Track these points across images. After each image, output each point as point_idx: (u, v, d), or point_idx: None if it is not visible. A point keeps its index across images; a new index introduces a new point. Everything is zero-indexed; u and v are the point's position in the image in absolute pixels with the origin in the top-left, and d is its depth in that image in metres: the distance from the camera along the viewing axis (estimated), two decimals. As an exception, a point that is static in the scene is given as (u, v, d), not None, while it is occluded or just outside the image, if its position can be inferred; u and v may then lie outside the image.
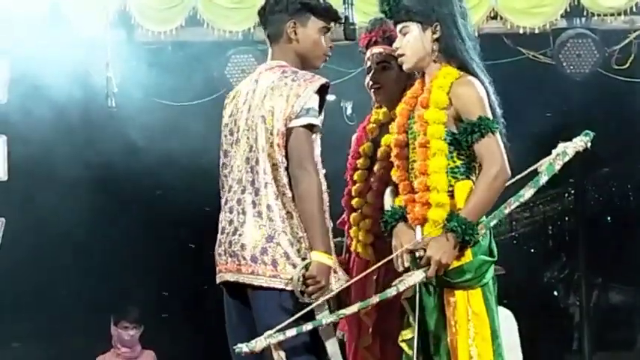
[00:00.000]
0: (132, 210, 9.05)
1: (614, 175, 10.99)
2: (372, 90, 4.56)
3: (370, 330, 4.43)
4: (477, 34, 7.56)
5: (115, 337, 7.46)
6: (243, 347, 3.68)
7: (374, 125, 4.64)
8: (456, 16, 4.01)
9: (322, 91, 3.89)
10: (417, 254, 3.86)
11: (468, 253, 3.83)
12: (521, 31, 7.55)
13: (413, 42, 4.01)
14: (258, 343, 3.68)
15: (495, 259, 3.93)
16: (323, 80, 3.88)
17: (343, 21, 4.46)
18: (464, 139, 3.86)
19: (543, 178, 3.82)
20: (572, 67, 7.70)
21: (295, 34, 3.92)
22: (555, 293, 11.68)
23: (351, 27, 4.77)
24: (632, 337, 10.75)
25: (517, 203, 3.84)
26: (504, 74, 7.67)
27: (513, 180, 3.88)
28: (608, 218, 11.44)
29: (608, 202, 11.45)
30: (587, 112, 8.43)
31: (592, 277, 11.11)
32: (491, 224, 3.86)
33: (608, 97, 8.20)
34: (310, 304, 3.74)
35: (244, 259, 3.82)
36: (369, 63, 4.58)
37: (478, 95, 3.89)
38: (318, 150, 3.91)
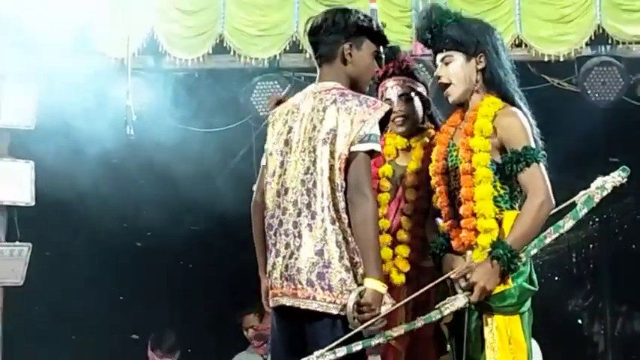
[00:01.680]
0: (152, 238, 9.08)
1: (638, 203, 10.96)
2: (396, 120, 4.59)
3: (403, 355, 4.45)
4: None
5: None
6: None
7: (391, 147, 4.68)
8: (498, 48, 4.06)
9: (385, 117, 3.90)
10: (461, 282, 3.87)
11: (510, 280, 3.86)
12: (546, 59, 7.57)
13: (459, 71, 4.05)
14: None
15: (537, 288, 3.96)
16: (387, 107, 3.90)
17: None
18: (508, 168, 3.91)
19: (583, 211, 3.86)
20: (597, 95, 7.69)
21: (351, 56, 3.92)
22: (580, 321, 11.63)
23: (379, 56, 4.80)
24: (657, 365, 10.69)
25: (557, 234, 3.87)
26: (529, 102, 7.77)
27: (554, 211, 3.90)
28: (633, 246, 11.39)
29: (632, 230, 11.40)
30: (612, 140, 8.44)
31: (616, 305, 11.07)
32: (532, 253, 3.88)
33: (632, 125, 8.19)
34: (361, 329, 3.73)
35: (300, 283, 3.79)
36: (387, 95, 4.62)
37: (522, 125, 3.93)
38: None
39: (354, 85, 3.95)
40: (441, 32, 4.06)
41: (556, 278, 11.69)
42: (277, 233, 3.91)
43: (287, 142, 3.94)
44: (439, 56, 4.10)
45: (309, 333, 3.84)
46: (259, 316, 7.20)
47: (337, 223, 3.78)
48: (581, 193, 3.89)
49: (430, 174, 4.21)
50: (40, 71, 7.38)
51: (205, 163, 7.71)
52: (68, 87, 7.26)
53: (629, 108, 7.82)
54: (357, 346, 3.70)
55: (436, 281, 3.99)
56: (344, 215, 3.78)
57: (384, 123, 3.92)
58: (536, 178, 3.87)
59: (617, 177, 3.90)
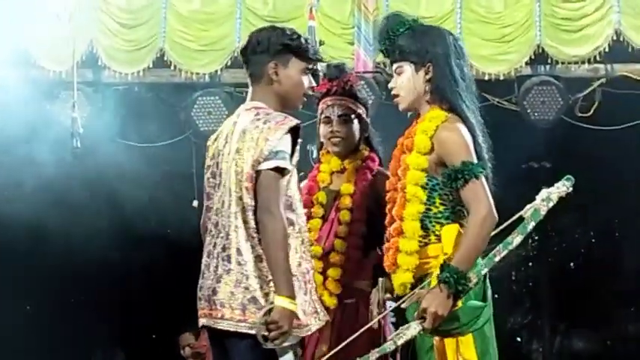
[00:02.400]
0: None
1: (577, 222, 11.06)
2: (332, 140, 4.58)
3: None
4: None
5: None
6: None
7: (325, 174, 4.66)
8: (450, 57, 3.93)
9: (295, 132, 3.83)
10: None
11: (460, 302, 3.73)
12: (486, 78, 7.61)
13: (406, 83, 3.95)
14: None
15: (487, 303, 3.87)
16: (293, 122, 3.80)
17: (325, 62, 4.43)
18: (448, 185, 3.80)
19: (531, 224, 3.76)
20: (536, 114, 7.75)
21: (277, 75, 3.87)
22: (519, 339, 11.69)
23: (316, 74, 4.77)
24: (595, 383, 10.79)
25: (506, 251, 3.75)
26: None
27: (500, 228, 3.80)
28: (571, 264, 11.50)
29: (570, 248, 11.51)
30: (551, 159, 8.51)
31: (555, 323, 11.15)
32: (483, 272, 3.77)
33: (571, 144, 8.26)
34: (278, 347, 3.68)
35: (214, 303, 3.79)
36: (327, 113, 4.60)
37: (462, 140, 3.82)
38: (293, 192, 3.84)
39: (285, 103, 3.91)
40: (394, 42, 3.96)
41: (495, 296, 11.70)
42: (205, 254, 3.92)
43: (217, 165, 3.93)
44: (393, 66, 4.01)
45: (229, 353, 3.82)
46: (195, 335, 7.13)
47: (250, 242, 3.76)
48: (528, 206, 3.78)
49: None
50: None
51: (145, 179, 7.62)
52: (8, 103, 7.18)
53: (568, 127, 7.89)
54: None
55: (384, 313, 3.99)
56: (255, 235, 3.75)
57: (296, 140, 3.84)
58: (476, 194, 3.75)
59: (561, 187, 3.81)
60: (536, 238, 11.16)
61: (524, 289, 11.76)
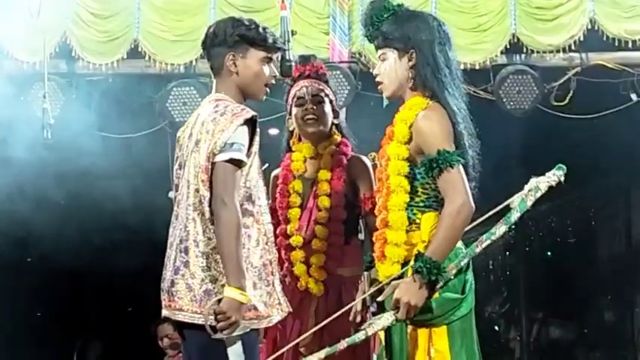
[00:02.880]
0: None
1: (553, 210, 11.09)
2: (307, 121, 4.60)
3: None
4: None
5: None
6: None
7: (299, 162, 4.67)
8: (434, 43, 3.89)
9: (253, 124, 3.82)
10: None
11: (437, 293, 3.70)
12: (461, 67, 7.58)
13: (390, 70, 3.92)
14: None
15: (464, 295, 3.82)
16: (249, 114, 3.80)
17: (281, 53, 4.43)
18: (425, 174, 3.78)
19: (515, 215, 3.71)
20: (512, 103, 7.75)
21: (235, 66, 3.87)
22: (496, 328, 11.72)
23: (287, 64, 4.78)
24: (572, 371, 10.83)
25: (489, 241, 3.71)
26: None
27: (485, 217, 3.75)
28: (548, 253, 11.53)
29: (548, 237, 11.54)
30: (527, 148, 8.52)
31: (532, 312, 11.18)
32: (462, 263, 3.74)
33: (547, 133, 8.27)
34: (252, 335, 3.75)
35: (172, 295, 3.81)
36: (300, 94, 4.62)
37: (438, 128, 3.76)
38: (253, 183, 3.84)
39: (246, 94, 3.91)
40: (378, 28, 3.93)
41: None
42: (168, 246, 3.94)
43: (183, 155, 3.94)
44: (378, 53, 3.98)
45: (186, 342, 3.89)
46: (173, 325, 7.11)
47: (206, 235, 3.76)
48: (515, 196, 3.72)
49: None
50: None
51: (120, 170, 7.59)
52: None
53: (544, 116, 7.90)
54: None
55: (353, 302, 3.99)
56: (212, 227, 3.74)
57: (254, 131, 3.84)
58: (452, 183, 3.71)
59: (552, 177, 3.75)
60: (514, 227, 11.16)
61: (501, 278, 11.79)
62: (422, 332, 3.80)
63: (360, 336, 3.70)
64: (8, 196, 7.39)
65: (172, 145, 7.21)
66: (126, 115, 7.92)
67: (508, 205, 3.74)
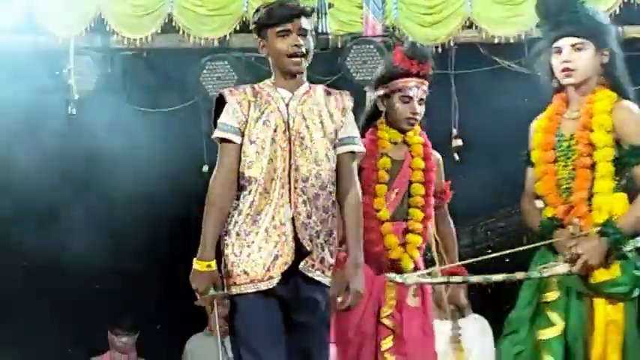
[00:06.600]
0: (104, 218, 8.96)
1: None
2: (410, 120, 4.81)
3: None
4: (452, 43, 7.72)
5: (110, 343, 7.67)
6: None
7: (385, 140, 4.86)
8: (619, 45, 4.22)
9: (227, 101, 4.03)
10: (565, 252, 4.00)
11: (616, 267, 3.97)
12: (495, 41, 7.58)
13: (587, 61, 4.14)
14: None
15: None
16: (220, 94, 4.07)
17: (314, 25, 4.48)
18: (628, 161, 4.05)
19: None
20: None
21: (264, 50, 4.11)
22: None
23: (323, 36, 4.81)
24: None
25: None
26: (479, 83, 7.76)
27: None
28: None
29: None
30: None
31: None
32: (638, 245, 4.00)
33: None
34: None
35: None
36: (410, 93, 4.79)
37: (639, 120, 4.07)
38: (250, 153, 3.95)
39: (281, 72, 4.09)
40: (580, 19, 4.16)
41: (506, 260, 11.73)
42: None
43: None
44: (568, 40, 4.16)
45: None
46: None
47: None
48: None
49: (533, 161, 4.27)
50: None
51: (154, 144, 7.63)
52: (14, 66, 7.19)
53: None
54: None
55: (536, 244, 4.20)
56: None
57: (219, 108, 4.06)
58: None
59: None
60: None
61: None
62: (601, 303, 4.00)
63: (535, 273, 4.04)
64: (38, 170, 7.48)
65: (206, 119, 7.32)
66: (160, 89, 7.96)
67: None
